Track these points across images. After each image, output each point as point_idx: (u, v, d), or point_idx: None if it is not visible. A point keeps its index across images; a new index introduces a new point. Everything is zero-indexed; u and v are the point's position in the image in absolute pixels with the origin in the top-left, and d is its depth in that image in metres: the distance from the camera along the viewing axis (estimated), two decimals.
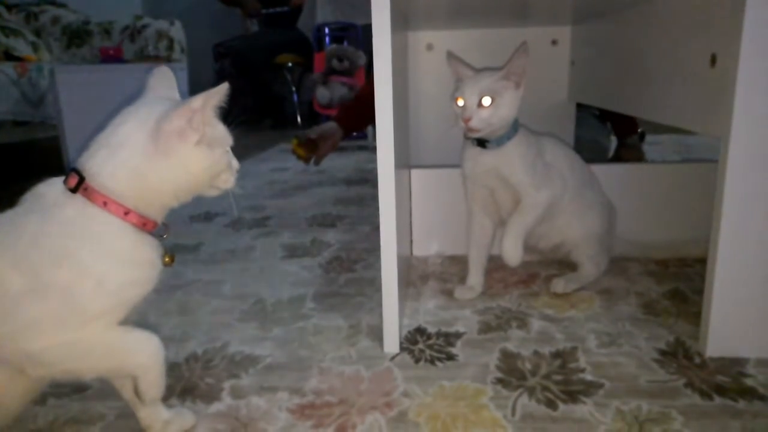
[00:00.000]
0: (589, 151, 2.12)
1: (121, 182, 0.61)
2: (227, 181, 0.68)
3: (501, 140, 1.05)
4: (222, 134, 0.66)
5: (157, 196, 0.63)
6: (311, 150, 1.92)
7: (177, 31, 3.23)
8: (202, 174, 0.65)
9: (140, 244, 0.62)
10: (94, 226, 0.60)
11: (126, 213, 0.61)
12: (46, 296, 0.57)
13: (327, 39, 3.92)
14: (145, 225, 0.63)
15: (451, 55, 1.07)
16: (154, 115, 0.61)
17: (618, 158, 2.25)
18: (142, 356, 0.64)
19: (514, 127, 1.06)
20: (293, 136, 1.99)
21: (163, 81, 0.69)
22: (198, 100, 0.60)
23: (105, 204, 0.60)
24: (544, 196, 1.07)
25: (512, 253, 1.06)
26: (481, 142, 1.06)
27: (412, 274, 1.26)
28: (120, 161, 0.61)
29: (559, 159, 1.14)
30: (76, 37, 3.19)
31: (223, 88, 0.62)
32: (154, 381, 0.65)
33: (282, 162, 2.85)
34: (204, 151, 0.63)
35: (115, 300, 0.60)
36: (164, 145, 0.60)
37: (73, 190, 0.60)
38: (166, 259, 0.66)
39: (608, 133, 2.32)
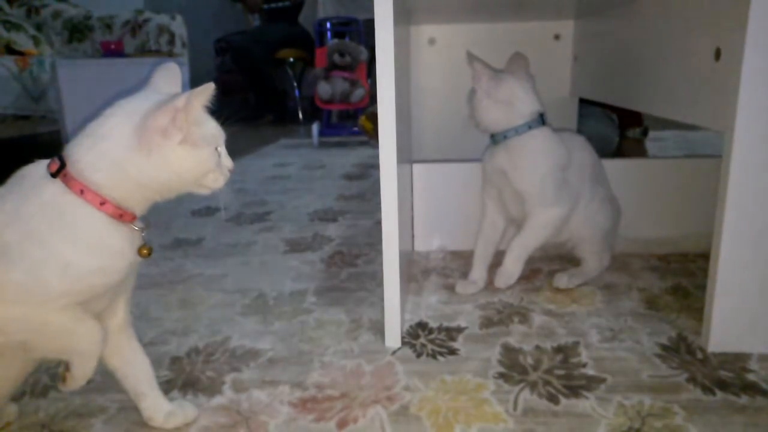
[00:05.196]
0: (596, 145, 2.11)
1: (100, 172, 0.60)
2: (216, 180, 0.66)
3: (500, 136, 1.07)
4: (211, 133, 0.65)
5: (137, 191, 0.63)
6: (378, 123, 2.52)
7: (178, 26, 3.23)
8: (186, 173, 0.63)
9: (113, 234, 0.62)
10: (67, 212, 0.60)
11: (102, 203, 0.61)
12: (12, 268, 0.57)
13: (328, 34, 3.91)
14: (121, 216, 0.62)
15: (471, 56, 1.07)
16: (142, 110, 0.61)
17: (620, 152, 2.24)
18: (85, 343, 0.64)
19: (525, 127, 1.05)
20: (361, 113, 2.34)
21: (168, 77, 0.68)
22: (181, 99, 0.59)
23: (82, 192, 0.60)
24: (553, 215, 1.06)
25: (506, 277, 1.10)
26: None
27: (413, 269, 1.26)
28: (101, 152, 0.60)
29: (584, 168, 1.12)
30: (77, 31, 3.18)
31: (209, 88, 0.61)
32: (87, 369, 0.65)
33: (283, 157, 2.84)
34: (188, 150, 0.62)
35: (79, 285, 0.60)
36: (147, 141, 0.60)
37: (54, 175, 0.60)
38: (144, 251, 0.65)
39: (616, 127, 2.32)
